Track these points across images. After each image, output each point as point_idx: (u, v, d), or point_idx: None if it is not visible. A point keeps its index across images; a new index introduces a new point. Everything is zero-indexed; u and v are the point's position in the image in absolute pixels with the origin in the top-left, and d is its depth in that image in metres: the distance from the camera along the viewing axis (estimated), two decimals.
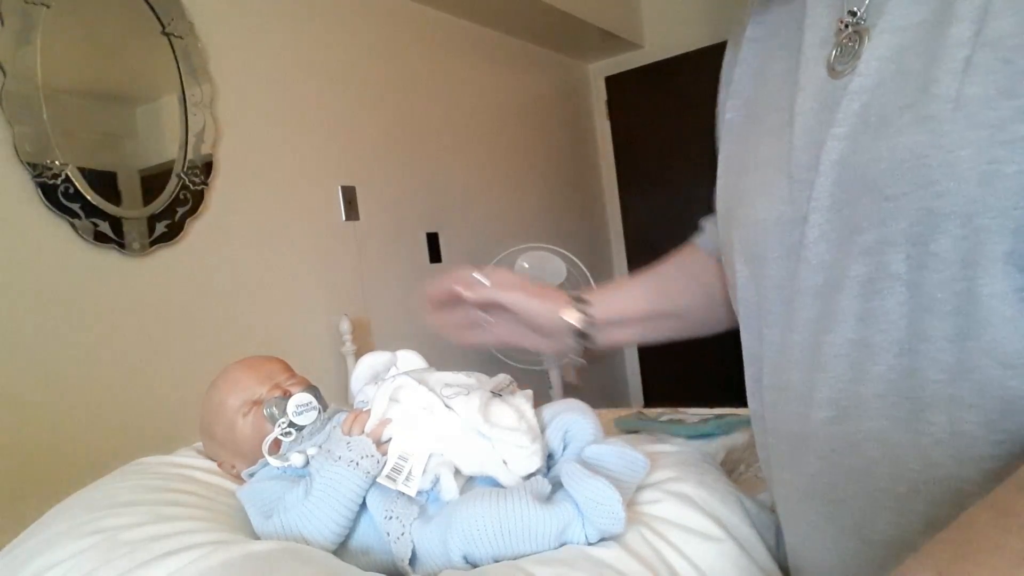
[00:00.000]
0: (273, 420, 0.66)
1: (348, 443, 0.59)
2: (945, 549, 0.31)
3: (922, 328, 0.41)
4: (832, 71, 0.47)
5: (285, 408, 0.66)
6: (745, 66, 0.59)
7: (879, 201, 0.42)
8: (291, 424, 0.65)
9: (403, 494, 0.57)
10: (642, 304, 0.73)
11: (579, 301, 0.71)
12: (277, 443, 0.65)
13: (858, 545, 0.47)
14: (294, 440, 0.65)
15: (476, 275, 0.71)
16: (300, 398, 0.67)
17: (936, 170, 0.39)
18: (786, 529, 0.56)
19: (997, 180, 0.37)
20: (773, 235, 0.50)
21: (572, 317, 0.70)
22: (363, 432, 0.60)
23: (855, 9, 0.46)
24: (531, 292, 0.71)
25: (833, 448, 0.47)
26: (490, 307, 0.72)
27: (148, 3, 1.61)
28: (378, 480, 0.58)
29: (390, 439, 0.60)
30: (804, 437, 0.49)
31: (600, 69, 3.39)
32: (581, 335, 0.70)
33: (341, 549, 0.58)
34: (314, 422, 0.66)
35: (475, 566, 0.52)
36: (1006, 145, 0.37)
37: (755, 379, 0.56)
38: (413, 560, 0.54)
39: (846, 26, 0.47)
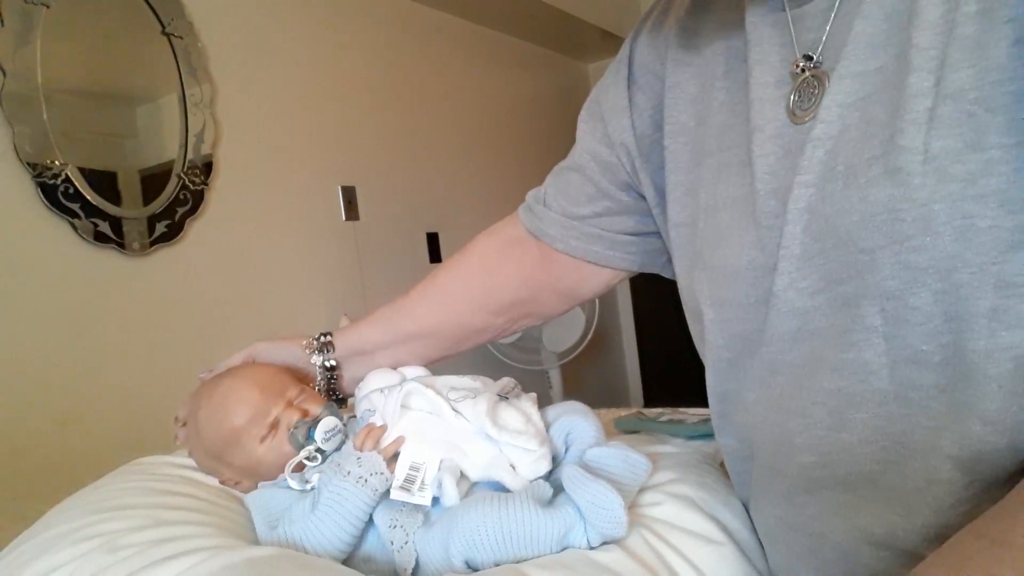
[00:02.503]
0: (298, 446, 0.64)
1: (359, 459, 0.58)
2: None
3: (909, 378, 0.40)
4: (793, 115, 0.46)
5: (311, 434, 0.63)
6: (679, 91, 0.58)
7: (854, 253, 0.41)
8: (318, 450, 0.63)
9: (407, 502, 0.56)
10: (374, 336, 0.77)
11: (323, 347, 0.76)
12: (300, 465, 0.63)
13: None
14: (318, 464, 0.63)
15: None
16: (327, 423, 0.64)
17: (911, 225, 0.38)
18: (769, 554, 0.56)
19: (972, 235, 0.36)
20: (744, 280, 0.50)
21: (317, 360, 0.76)
22: (375, 447, 0.59)
23: (810, 53, 0.46)
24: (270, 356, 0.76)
25: (822, 485, 0.46)
26: None
27: (148, 3, 1.60)
28: (392, 493, 0.56)
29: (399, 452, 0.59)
30: (788, 475, 0.49)
31: (600, 69, 3.37)
32: (331, 371, 0.76)
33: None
34: (339, 446, 0.64)
35: (476, 570, 0.51)
36: (978, 200, 0.36)
37: (724, 416, 0.56)
38: (415, 566, 0.54)
39: (802, 69, 0.46)
